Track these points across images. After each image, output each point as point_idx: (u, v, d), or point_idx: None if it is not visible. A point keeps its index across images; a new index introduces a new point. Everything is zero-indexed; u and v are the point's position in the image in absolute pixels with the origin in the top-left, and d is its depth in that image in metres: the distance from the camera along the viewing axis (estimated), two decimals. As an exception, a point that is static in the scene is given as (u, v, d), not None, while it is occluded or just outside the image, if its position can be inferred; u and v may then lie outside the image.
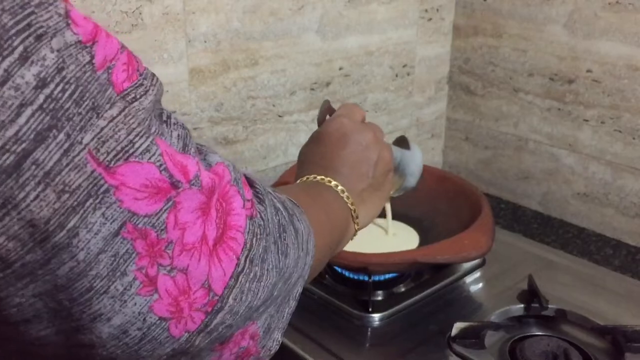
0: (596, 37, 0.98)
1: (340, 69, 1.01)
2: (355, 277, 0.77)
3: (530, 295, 0.74)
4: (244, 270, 0.34)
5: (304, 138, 1.00)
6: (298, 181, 0.55)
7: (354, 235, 0.55)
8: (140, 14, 0.76)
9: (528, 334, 0.70)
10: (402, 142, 0.70)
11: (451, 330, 0.67)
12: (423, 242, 0.82)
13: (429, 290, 0.76)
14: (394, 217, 0.89)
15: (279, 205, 0.41)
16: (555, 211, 1.11)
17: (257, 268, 0.35)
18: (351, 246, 0.80)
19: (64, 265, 0.27)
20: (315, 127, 0.99)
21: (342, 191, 0.53)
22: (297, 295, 0.42)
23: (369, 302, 0.72)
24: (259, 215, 0.37)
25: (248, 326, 0.37)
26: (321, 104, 0.65)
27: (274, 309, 0.39)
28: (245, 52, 0.88)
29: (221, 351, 0.35)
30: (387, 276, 0.78)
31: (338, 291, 0.76)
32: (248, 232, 0.35)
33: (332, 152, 0.56)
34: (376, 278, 0.77)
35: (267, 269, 0.36)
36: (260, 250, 0.36)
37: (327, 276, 0.81)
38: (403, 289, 0.79)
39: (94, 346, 0.29)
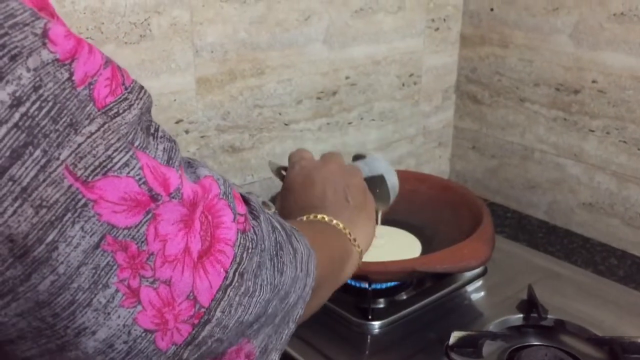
0: (601, 48, 0.99)
1: (347, 78, 1.02)
2: (357, 285, 0.78)
3: (530, 305, 0.74)
4: (233, 284, 0.34)
5: (310, 146, 1.01)
6: None
7: (361, 258, 0.56)
8: (148, 25, 0.78)
9: (526, 343, 0.71)
10: (359, 157, 0.72)
11: (449, 339, 0.67)
12: (425, 251, 0.83)
13: (429, 299, 0.77)
14: (397, 225, 0.90)
15: (276, 223, 0.41)
16: (560, 221, 1.11)
17: (249, 283, 0.35)
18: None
19: (45, 279, 0.27)
20: (321, 135, 1.01)
21: (331, 220, 0.53)
22: (297, 318, 0.42)
23: (368, 309, 0.73)
24: (252, 230, 0.37)
25: (242, 344, 0.37)
26: (270, 167, 0.68)
27: (272, 330, 0.39)
28: (251, 62, 0.89)
29: None
30: (389, 284, 0.79)
31: (340, 299, 0.77)
32: (238, 245, 0.35)
33: (304, 195, 0.57)
34: (377, 286, 0.78)
35: (261, 285, 0.36)
36: (254, 265, 0.36)
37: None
38: (405, 297, 0.80)
39: None
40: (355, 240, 0.54)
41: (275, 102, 0.94)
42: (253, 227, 0.37)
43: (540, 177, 1.13)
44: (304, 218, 0.54)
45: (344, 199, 0.56)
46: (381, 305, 0.78)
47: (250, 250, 0.36)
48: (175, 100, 0.83)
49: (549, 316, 0.73)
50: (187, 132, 0.86)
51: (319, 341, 0.69)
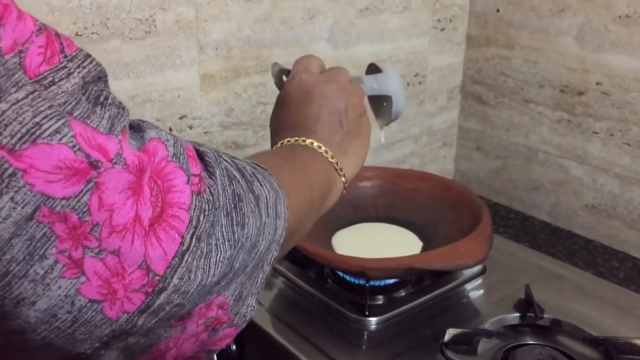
0: (606, 50, 0.99)
1: (351, 77, 1.03)
2: (356, 282, 0.79)
3: (526, 304, 0.75)
4: (190, 249, 0.33)
5: (313, 144, 1.02)
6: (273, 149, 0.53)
7: (345, 186, 0.54)
8: (153, 21, 0.79)
9: (521, 342, 0.71)
10: (373, 69, 0.67)
11: (444, 336, 0.68)
12: (425, 249, 0.84)
13: (427, 297, 0.77)
14: (398, 223, 0.90)
15: (235, 173, 0.39)
16: (563, 222, 1.11)
17: (203, 244, 0.34)
18: (351, 250, 0.82)
19: None
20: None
21: (319, 147, 0.51)
22: (272, 260, 0.41)
23: (365, 305, 0.73)
24: (207, 190, 0.35)
25: (211, 299, 0.36)
26: (271, 68, 0.63)
27: (244, 278, 0.38)
28: (256, 59, 0.90)
29: (183, 325, 0.35)
30: (388, 282, 0.80)
31: (338, 295, 0.78)
32: (194, 208, 0.33)
33: (298, 112, 0.54)
34: (375, 283, 0.78)
35: (216, 244, 0.34)
36: (207, 225, 0.34)
37: (329, 280, 0.83)
38: (403, 294, 0.81)
39: (24, 332, 0.29)
40: (341, 169, 0.52)
41: (279, 99, 0.95)
42: (209, 187, 0.35)
43: (544, 179, 1.13)
44: (292, 140, 0.52)
45: (338, 123, 0.54)
46: (379, 302, 0.79)
47: (207, 212, 0.34)
48: (179, 96, 0.84)
49: (545, 316, 0.73)
50: (190, 127, 0.87)
51: (315, 336, 0.70)
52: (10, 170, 0.27)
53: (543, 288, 0.80)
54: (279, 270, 0.83)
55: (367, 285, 0.73)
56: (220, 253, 0.35)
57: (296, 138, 0.52)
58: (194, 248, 0.33)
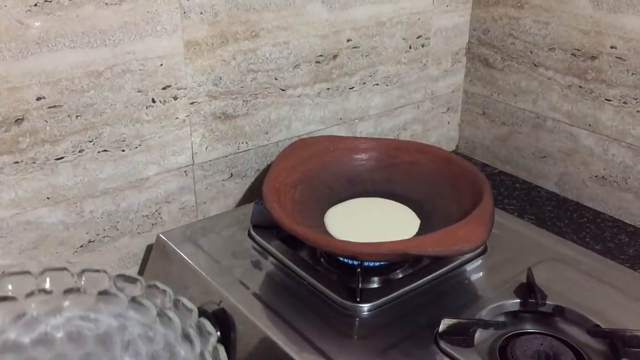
0: (622, 11, 0.92)
1: (349, 40, 0.97)
2: (350, 262, 0.75)
3: (528, 289, 0.71)
4: None
5: (308, 112, 0.97)
6: None
7: None
8: (131, -16, 0.73)
9: (521, 330, 0.68)
10: None
11: (439, 326, 0.64)
12: (423, 227, 0.79)
13: (424, 279, 0.73)
14: (395, 198, 0.86)
15: None
16: (571, 193, 1.06)
17: None
18: (345, 229, 0.78)
19: None
20: (320, 100, 0.96)
21: None
22: None
23: (357, 290, 0.69)
24: None
25: None
26: None
27: None
28: (245, 23, 0.84)
29: None
30: (383, 262, 0.76)
31: (330, 278, 0.74)
32: None
33: None
34: (370, 264, 0.74)
35: None
36: None
37: (322, 261, 0.79)
38: (400, 275, 0.77)
39: None
40: None
41: (271, 66, 0.89)
42: None
43: (552, 147, 1.07)
44: None
45: None
46: (373, 285, 0.75)
47: None
48: (162, 65, 0.79)
49: (547, 302, 0.69)
50: (175, 98, 0.82)
51: (301, 323, 0.66)
52: None
53: (546, 271, 0.75)
54: (268, 250, 0.79)
55: (359, 270, 0.69)
56: None
57: None
58: None
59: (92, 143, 0.76)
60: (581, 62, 0.99)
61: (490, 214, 0.70)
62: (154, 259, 0.83)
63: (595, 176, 1.02)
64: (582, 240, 0.95)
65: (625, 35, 0.92)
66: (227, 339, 0.70)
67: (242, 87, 0.88)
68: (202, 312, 0.71)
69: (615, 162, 0.99)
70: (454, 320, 0.64)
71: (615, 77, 0.95)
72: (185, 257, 0.79)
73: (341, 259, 0.76)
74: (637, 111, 0.94)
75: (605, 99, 0.97)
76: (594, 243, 0.94)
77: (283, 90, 0.92)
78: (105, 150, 0.78)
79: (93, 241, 0.81)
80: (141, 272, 0.87)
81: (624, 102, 0.95)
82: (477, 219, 0.69)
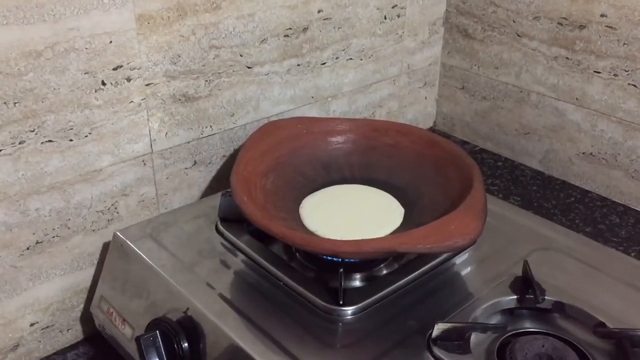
0: (614, -24, 0.85)
1: (319, 11, 0.89)
2: (328, 259, 0.68)
3: (525, 284, 0.65)
4: None
5: (277, 91, 0.88)
6: None
7: None
8: (71, -50, 0.64)
9: (520, 330, 0.62)
10: None
11: (432, 330, 0.58)
12: (408, 218, 0.73)
13: (410, 277, 0.67)
14: (376, 185, 0.79)
15: None
16: (557, 171, 1.01)
17: None
18: (322, 221, 0.71)
19: None
20: (290, 78, 0.88)
21: None
22: None
23: (340, 291, 0.62)
24: None
25: None
26: None
27: None
28: (204, -6, 0.75)
29: None
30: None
31: (307, 277, 0.67)
32: None
33: None
34: (352, 260, 0.68)
35: None
36: None
37: (297, 255, 0.72)
38: (385, 271, 0.70)
39: None
40: None
41: (235, 41, 0.81)
42: None
43: (537, 123, 1.01)
44: None
45: None
46: (355, 284, 0.68)
47: None
48: (111, 42, 0.70)
49: (547, 297, 0.64)
50: (128, 79, 0.73)
51: (277, 330, 0.59)
52: None
53: (542, 262, 0.70)
54: (238, 246, 0.71)
55: (341, 270, 0.62)
56: None
57: None
58: None
59: (34, 133, 0.67)
60: (568, 32, 0.92)
61: (483, 203, 0.64)
62: (111, 259, 0.75)
63: (583, 153, 0.97)
64: (571, 222, 0.90)
65: (616, 3, 0.86)
66: (195, 351, 0.62)
67: (204, 65, 0.79)
68: (166, 321, 0.64)
69: (604, 138, 0.93)
70: (448, 325, 0.58)
71: (605, 47, 0.89)
72: (145, 257, 0.71)
73: (321, 256, 0.69)
74: (629, 84, 0.88)
75: (594, 71, 0.91)
76: (584, 225, 0.89)
77: (249, 67, 0.84)
78: (50, 141, 0.69)
79: (41, 242, 0.72)
80: (98, 273, 0.78)
81: (614, 75, 0.89)
82: (469, 209, 0.62)
